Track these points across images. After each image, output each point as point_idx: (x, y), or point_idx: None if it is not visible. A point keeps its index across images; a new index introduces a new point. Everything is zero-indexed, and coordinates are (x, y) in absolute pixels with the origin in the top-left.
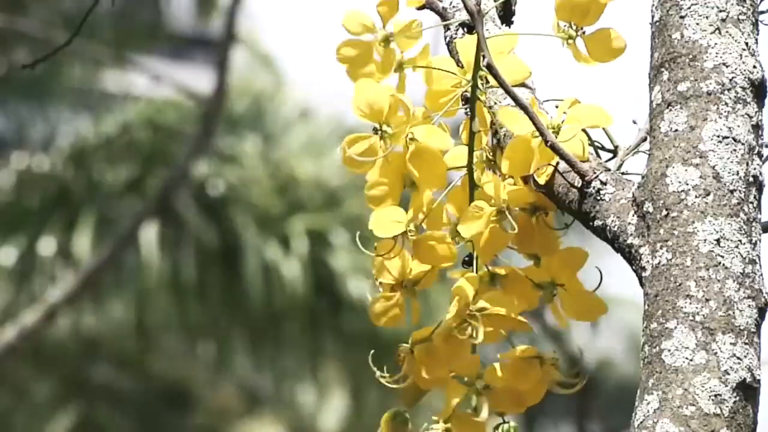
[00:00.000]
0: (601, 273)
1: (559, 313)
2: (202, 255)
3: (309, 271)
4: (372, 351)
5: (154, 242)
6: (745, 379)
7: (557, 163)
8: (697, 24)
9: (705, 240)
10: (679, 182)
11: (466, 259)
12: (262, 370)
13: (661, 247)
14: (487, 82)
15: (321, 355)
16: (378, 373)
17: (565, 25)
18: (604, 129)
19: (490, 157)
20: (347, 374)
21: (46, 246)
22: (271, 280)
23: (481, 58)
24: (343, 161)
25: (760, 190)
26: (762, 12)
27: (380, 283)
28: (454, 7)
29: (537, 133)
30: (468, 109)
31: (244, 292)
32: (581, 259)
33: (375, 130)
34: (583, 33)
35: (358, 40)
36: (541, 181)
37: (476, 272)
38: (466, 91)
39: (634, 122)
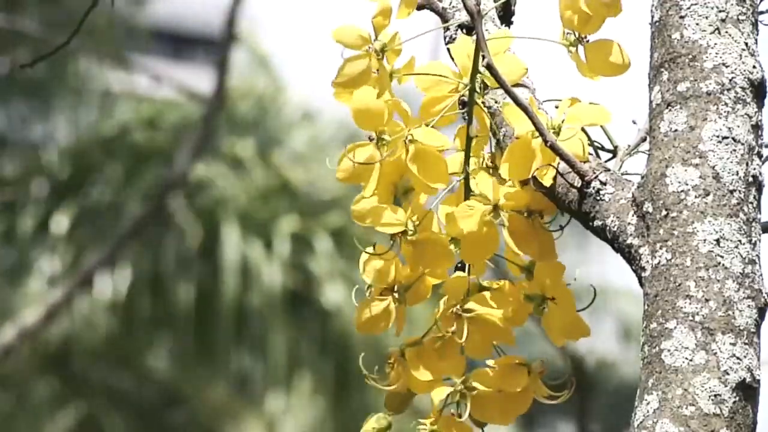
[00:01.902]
0: (595, 291)
1: (550, 332)
2: (184, 251)
3: (289, 274)
4: (347, 355)
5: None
6: (744, 379)
7: (558, 164)
8: (697, 24)
9: (705, 240)
10: (679, 182)
11: (459, 265)
12: (242, 370)
13: (660, 248)
14: (485, 86)
15: (297, 357)
16: (369, 377)
17: (568, 33)
18: (603, 129)
19: (490, 164)
20: (322, 377)
21: (44, 245)
22: (250, 280)
23: (481, 59)
24: (338, 174)
25: (759, 190)
26: (761, 12)
27: (369, 288)
28: (453, 7)
29: (537, 134)
30: (465, 114)
31: (221, 290)
32: (560, 271)
33: (370, 138)
34: (587, 41)
35: (357, 56)
36: (546, 182)
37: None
38: (463, 95)
39: (634, 122)
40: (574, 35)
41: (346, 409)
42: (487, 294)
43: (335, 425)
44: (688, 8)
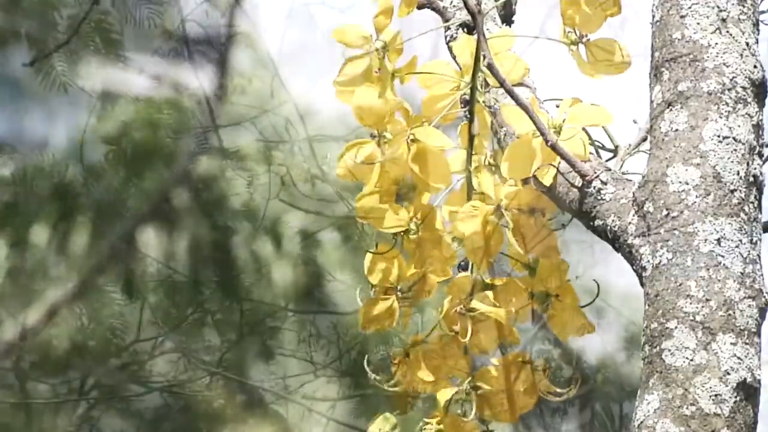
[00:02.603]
0: (599, 286)
1: (555, 328)
2: (195, 251)
3: (299, 271)
4: (356, 353)
5: (149, 238)
6: (745, 379)
7: (558, 163)
8: (698, 24)
9: (705, 240)
10: (680, 182)
11: (462, 264)
12: (255, 372)
13: (661, 247)
14: (487, 84)
15: (310, 355)
16: (373, 377)
17: (569, 31)
18: (604, 129)
19: (492, 162)
20: (336, 377)
21: (43, 245)
22: (261, 279)
23: (482, 58)
24: (338, 171)
25: (760, 190)
26: (762, 12)
27: (374, 286)
28: (454, 6)
29: (537, 133)
30: (467, 112)
31: (236, 288)
32: (563, 269)
33: (373, 136)
34: (588, 40)
35: (358, 55)
36: (546, 182)
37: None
38: (465, 93)
39: (635, 122)
40: (575, 34)
41: (362, 407)
42: (490, 293)
43: (349, 424)
44: (689, 8)
